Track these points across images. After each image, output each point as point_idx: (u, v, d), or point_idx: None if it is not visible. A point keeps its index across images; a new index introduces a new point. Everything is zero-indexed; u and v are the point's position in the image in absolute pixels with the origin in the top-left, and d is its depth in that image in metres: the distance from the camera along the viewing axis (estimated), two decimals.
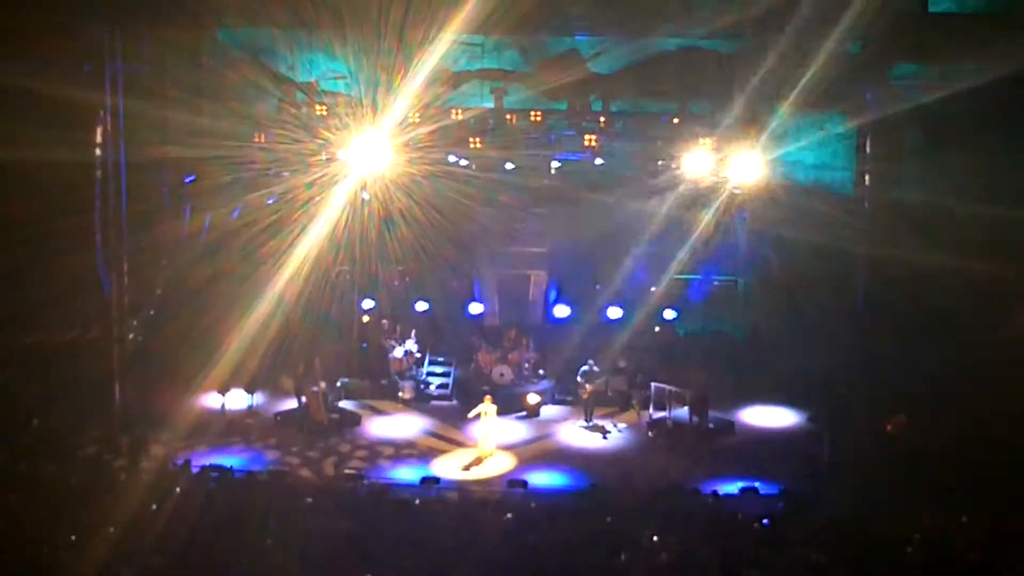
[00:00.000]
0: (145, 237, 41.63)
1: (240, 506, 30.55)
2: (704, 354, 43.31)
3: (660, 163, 42.71)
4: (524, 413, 41.16)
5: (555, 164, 43.84)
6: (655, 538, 28.87)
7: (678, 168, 42.62)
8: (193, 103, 45.04)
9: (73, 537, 27.69)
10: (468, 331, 44.93)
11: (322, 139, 42.12)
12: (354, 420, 40.44)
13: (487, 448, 37.54)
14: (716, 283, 46.79)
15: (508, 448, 38.18)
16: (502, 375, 42.11)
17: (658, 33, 43.59)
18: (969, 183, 41.10)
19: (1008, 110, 41.05)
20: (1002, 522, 29.07)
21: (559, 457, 37.78)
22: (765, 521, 30.17)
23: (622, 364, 42.29)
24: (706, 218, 43.96)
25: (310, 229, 41.61)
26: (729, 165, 41.86)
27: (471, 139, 42.57)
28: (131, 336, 40.32)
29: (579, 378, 40.78)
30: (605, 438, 39.34)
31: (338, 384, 41.60)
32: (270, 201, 43.82)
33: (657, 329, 44.99)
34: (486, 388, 40.49)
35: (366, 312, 45.24)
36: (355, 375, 42.81)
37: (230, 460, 35.13)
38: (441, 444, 38.73)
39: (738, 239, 45.23)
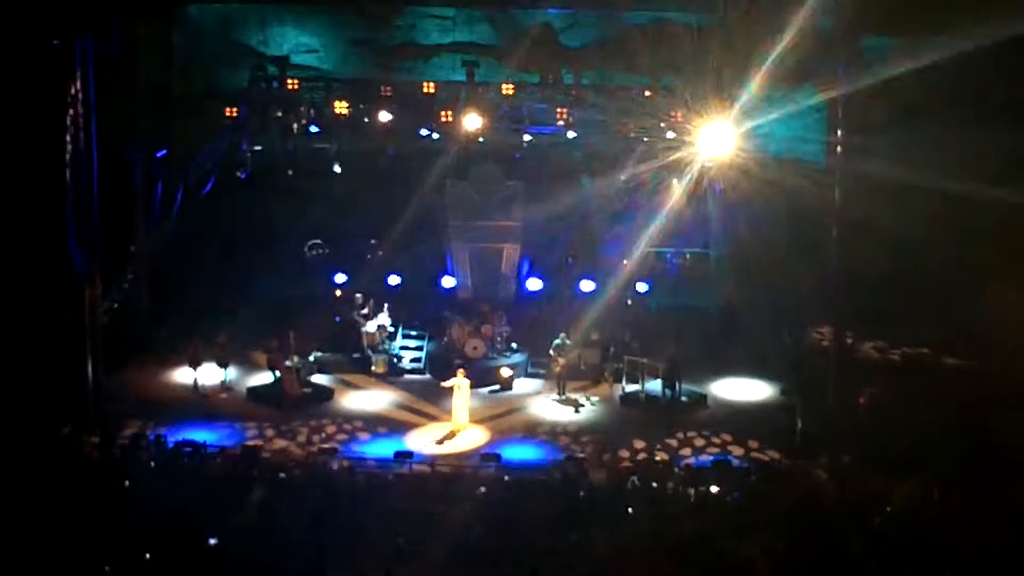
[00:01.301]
0: (118, 212, 41.53)
1: (213, 482, 30.60)
2: (676, 327, 43.29)
3: (632, 136, 42.62)
4: (497, 386, 41.16)
5: (527, 137, 43.75)
6: (628, 511, 29.02)
7: (650, 141, 42.62)
8: (164, 76, 45.06)
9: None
10: (441, 305, 44.86)
11: None
12: (327, 394, 40.40)
13: (460, 422, 37.54)
14: (688, 256, 46.82)
15: (481, 422, 38.15)
16: (475, 348, 42.08)
17: (630, 6, 43.65)
18: (941, 156, 41.22)
19: (979, 83, 41.19)
20: (974, 496, 29.22)
21: (532, 430, 37.76)
22: (736, 495, 30.32)
23: (595, 337, 42.25)
24: (678, 191, 44.00)
25: None
26: (701, 138, 41.85)
27: (443, 112, 42.46)
28: (104, 313, 40.15)
29: (552, 351, 40.77)
30: (578, 411, 39.33)
31: (311, 358, 41.50)
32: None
33: (629, 302, 45.02)
34: (459, 362, 40.44)
35: (338, 286, 45.17)
36: (328, 349, 42.72)
37: (203, 436, 35.06)
38: (414, 418, 38.66)
39: (710, 212, 45.28)
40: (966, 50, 38.21)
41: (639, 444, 35.92)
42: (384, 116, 42.61)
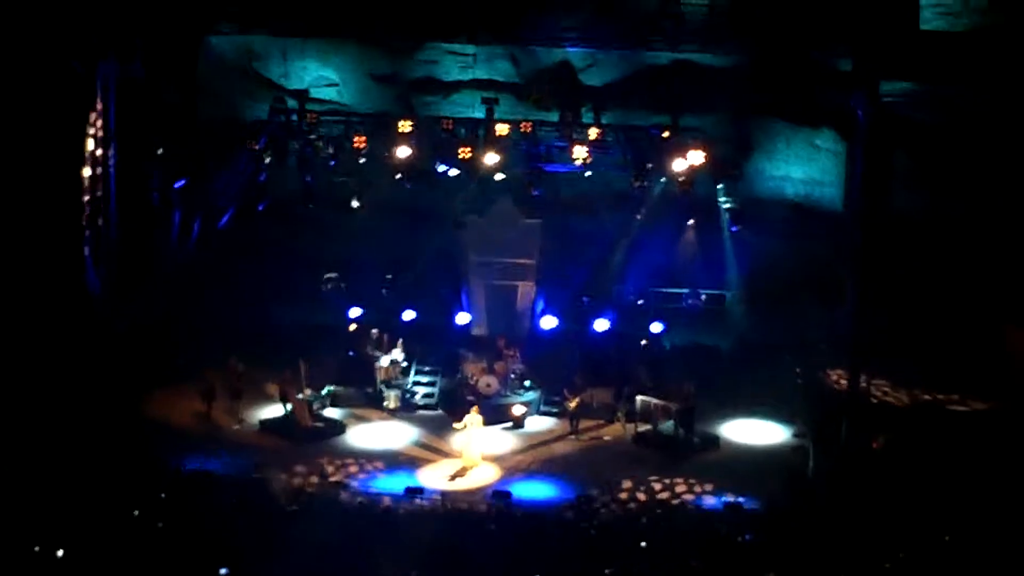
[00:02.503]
0: (134, 239, 41.68)
1: (225, 513, 30.56)
2: (691, 367, 43.24)
3: (650, 176, 42.64)
4: (510, 424, 41.09)
5: (545, 174, 43.74)
6: (639, 552, 28.94)
7: (668, 181, 42.68)
8: (186, 105, 45.24)
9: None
10: (455, 341, 44.84)
11: None
12: (339, 428, 40.37)
13: (472, 458, 37.48)
14: (704, 296, 46.79)
15: (493, 459, 38.12)
16: (488, 385, 42.02)
17: (649, 47, 43.78)
18: (959, 202, 41.31)
19: (998, 129, 41.25)
20: (985, 541, 29.13)
21: (544, 469, 37.70)
22: (747, 536, 30.22)
23: (608, 376, 42.22)
24: (695, 231, 44.05)
25: None
26: (718, 178, 41.97)
27: (461, 148, 42.47)
28: (118, 338, 40.22)
29: (565, 390, 40.75)
30: (590, 450, 39.25)
31: (324, 392, 41.49)
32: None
33: (644, 342, 44.95)
34: (472, 398, 40.45)
35: (353, 320, 45.20)
36: (341, 383, 42.70)
37: (216, 466, 35.07)
38: (426, 454, 38.63)
39: (726, 253, 45.28)
40: (985, 94, 38.37)
41: (651, 484, 35.84)
42: (403, 151, 42.60)
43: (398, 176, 43.12)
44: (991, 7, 42.39)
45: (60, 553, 27.12)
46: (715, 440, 39.86)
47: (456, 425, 38.29)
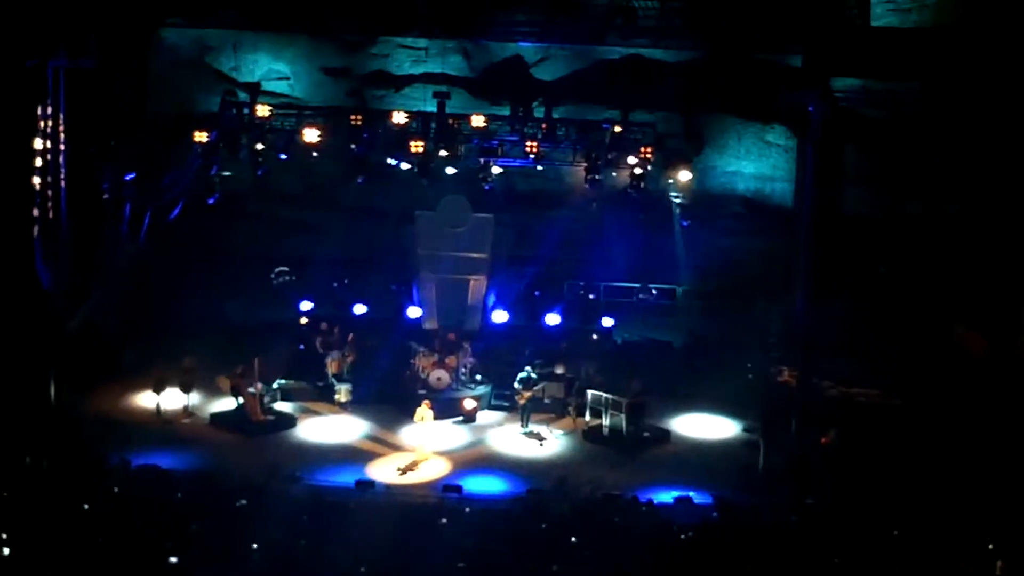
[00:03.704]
0: (86, 233, 41.47)
1: (175, 507, 30.46)
2: (641, 362, 43.39)
3: (601, 171, 42.66)
4: (461, 418, 41.07)
5: (496, 170, 43.73)
6: (590, 546, 28.96)
7: (619, 176, 42.72)
8: (137, 98, 45.03)
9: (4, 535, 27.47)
10: (406, 335, 44.78)
11: None
12: (290, 422, 40.30)
13: (423, 452, 37.48)
14: (655, 291, 46.91)
15: (444, 453, 38.07)
16: (439, 379, 42.01)
17: (601, 41, 43.83)
18: (907, 197, 41.52)
19: (948, 125, 41.48)
20: (934, 534, 29.31)
21: (495, 463, 37.74)
22: (697, 531, 30.30)
23: (559, 371, 42.22)
24: (646, 226, 44.13)
25: None
26: (670, 173, 42.05)
27: (413, 142, 42.35)
28: (69, 333, 40.02)
29: (516, 384, 40.75)
30: (541, 445, 39.30)
31: (275, 386, 41.41)
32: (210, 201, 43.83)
33: (595, 336, 45.05)
34: (423, 392, 40.45)
35: (304, 314, 45.14)
36: (292, 376, 42.63)
37: (166, 460, 34.96)
38: (377, 447, 38.60)
39: (677, 248, 45.37)
40: (935, 90, 38.56)
41: (602, 478, 35.86)
42: (353, 144, 42.50)
43: (349, 169, 43.02)
44: (941, 3, 42.63)
45: (6, 552, 27.04)
46: (666, 434, 39.98)
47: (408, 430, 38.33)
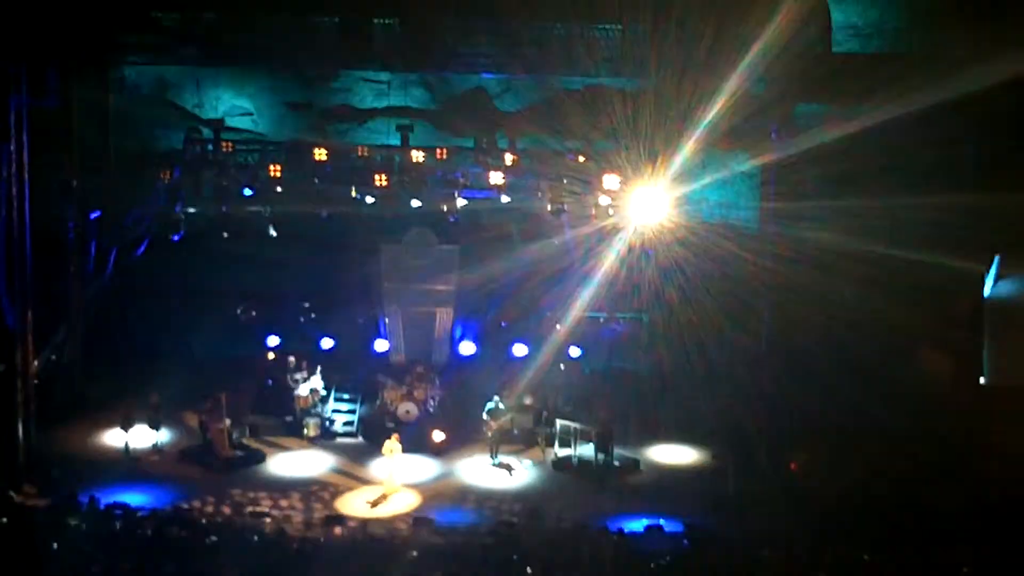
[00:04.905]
0: (51, 271, 41.31)
1: (144, 544, 30.35)
2: (609, 391, 43.43)
3: (566, 201, 42.74)
4: (430, 450, 41.02)
5: (461, 202, 43.78)
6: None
7: (584, 206, 42.79)
8: (100, 136, 44.91)
9: None
10: (374, 368, 44.74)
11: None
12: (259, 458, 40.16)
13: (392, 485, 37.43)
14: (621, 320, 46.96)
15: (413, 486, 38.04)
16: (408, 412, 42.00)
17: (563, 72, 43.88)
18: (870, 223, 41.65)
19: (909, 151, 41.61)
20: (903, 560, 29.39)
21: (465, 495, 37.72)
22: (668, 559, 30.30)
23: (528, 401, 42.28)
24: (611, 255, 44.17)
25: None
26: (634, 203, 42.11)
27: (377, 175, 42.36)
28: (35, 371, 39.86)
29: (485, 415, 40.73)
30: (510, 476, 39.27)
31: (243, 421, 41.30)
32: None
33: (563, 367, 45.06)
34: (391, 425, 40.42)
35: (271, 349, 45.08)
36: (260, 412, 42.53)
37: (134, 498, 34.83)
38: (346, 481, 38.51)
39: (643, 276, 45.42)
40: (897, 116, 38.70)
41: (572, 508, 35.84)
42: (316, 179, 42.59)
43: (313, 204, 43.08)
44: (903, 29, 42.86)
45: None
46: (635, 463, 40.00)
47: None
